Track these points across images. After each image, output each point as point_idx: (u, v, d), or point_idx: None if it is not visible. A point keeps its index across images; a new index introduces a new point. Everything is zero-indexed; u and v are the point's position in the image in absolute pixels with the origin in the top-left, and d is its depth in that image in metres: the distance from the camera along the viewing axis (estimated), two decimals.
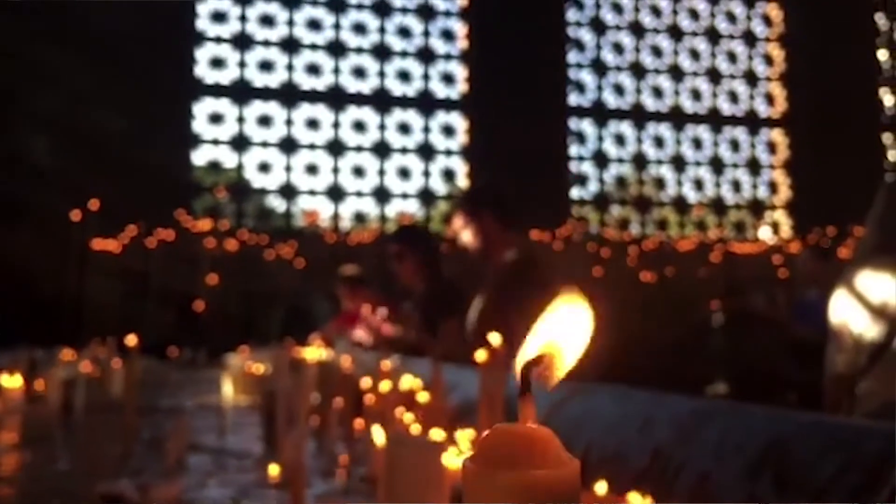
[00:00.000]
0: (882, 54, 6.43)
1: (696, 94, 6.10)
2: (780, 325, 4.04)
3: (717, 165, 6.08)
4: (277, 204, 5.45)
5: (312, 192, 5.37)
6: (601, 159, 5.87)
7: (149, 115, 4.81)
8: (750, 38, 6.25)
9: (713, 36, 6.19)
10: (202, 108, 5.18)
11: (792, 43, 6.23)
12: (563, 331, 0.28)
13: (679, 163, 6.02)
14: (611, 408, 1.01)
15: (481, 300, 2.43)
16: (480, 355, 0.92)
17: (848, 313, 1.43)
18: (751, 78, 6.22)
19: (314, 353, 1.85)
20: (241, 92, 5.29)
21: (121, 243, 4.67)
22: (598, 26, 5.95)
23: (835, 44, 6.03)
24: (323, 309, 4.38)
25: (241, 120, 5.27)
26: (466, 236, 2.53)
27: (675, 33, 6.12)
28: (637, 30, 6.03)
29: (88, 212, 4.33)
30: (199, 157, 5.20)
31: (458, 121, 5.67)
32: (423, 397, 1.11)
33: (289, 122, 5.35)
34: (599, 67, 5.93)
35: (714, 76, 6.15)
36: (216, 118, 5.21)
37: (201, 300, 4.63)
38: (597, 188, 5.88)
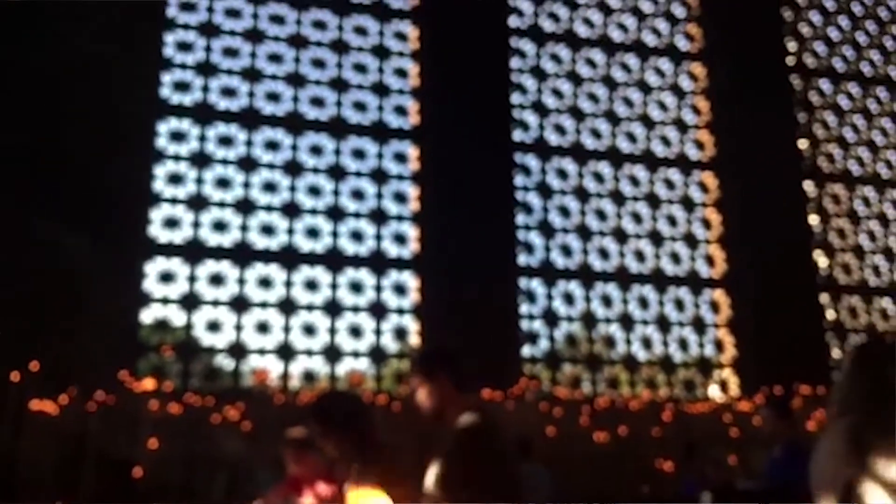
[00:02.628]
0: (813, 219, 6.79)
1: (640, 256, 6.31)
2: (728, 484, 4.02)
3: (663, 324, 6.20)
4: (226, 363, 5.36)
5: (262, 352, 5.31)
6: (551, 318, 5.95)
7: (99, 273, 4.77)
8: (688, 203, 6.56)
9: (653, 201, 6.48)
10: (154, 267, 5.19)
11: (727, 208, 6.55)
12: None
13: (627, 321, 6.13)
14: None
15: (438, 465, 2.37)
16: None
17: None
18: (691, 240, 6.48)
19: None
20: (194, 251, 5.32)
21: (59, 405, 4.50)
22: (545, 190, 6.20)
23: (768, 209, 6.37)
24: (267, 475, 4.21)
25: (192, 279, 5.26)
26: (421, 397, 2.51)
27: (618, 198, 6.40)
28: (582, 194, 6.30)
29: (28, 372, 4.20)
30: (148, 315, 5.15)
31: (410, 280, 5.74)
32: None
33: (241, 281, 5.36)
34: (547, 229, 6.13)
35: (656, 238, 6.39)
36: (167, 277, 5.20)
37: (140, 466, 4.42)
38: (548, 346, 5.93)
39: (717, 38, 6.91)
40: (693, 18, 7.04)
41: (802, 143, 6.95)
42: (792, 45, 7.23)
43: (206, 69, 5.69)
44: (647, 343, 6.14)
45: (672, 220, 6.49)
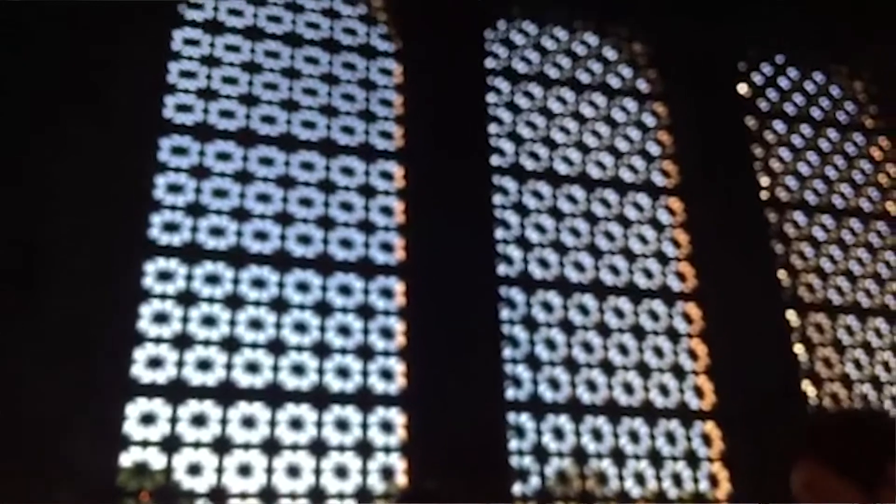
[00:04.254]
0: (798, 348, 6.82)
1: (628, 388, 6.26)
2: None
3: (655, 459, 6.08)
4: None
5: (244, 496, 5.13)
6: (541, 454, 5.83)
7: (75, 417, 4.68)
8: (673, 334, 6.58)
9: (639, 333, 6.50)
10: (134, 409, 5.08)
11: (712, 339, 6.57)
12: None
13: (619, 456, 6.01)
14: None
15: None
16: None
17: None
18: (678, 371, 6.46)
19: None
20: (177, 391, 5.23)
21: None
22: (531, 323, 6.22)
23: (753, 339, 6.41)
24: None
25: (173, 420, 5.15)
26: None
27: (604, 330, 6.41)
28: (567, 326, 6.32)
29: None
30: (126, 459, 4.99)
31: (397, 417, 5.64)
32: None
33: (223, 422, 5.24)
34: (534, 362, 6.10)
35: (643, 370, 6.36)
36: (148, 419, 5.09)
37: None
38: (538, 484, 5.77)
39: (691, 174, 7.16)
40: (668, 156, 7.31)
41: (782, 274, 7.07)
42: (765, 180, 7.49)
43: (196, 210, 5.79)
44: (640, 479, 5.99)
45: (658, 352, 6.49)
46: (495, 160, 6.72)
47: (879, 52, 8.12)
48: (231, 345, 5.48)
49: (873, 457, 1.42)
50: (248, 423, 5.30)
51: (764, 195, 7.39)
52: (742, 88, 7.81)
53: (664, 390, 6.35)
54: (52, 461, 4.53)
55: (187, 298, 5.51)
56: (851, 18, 7.84)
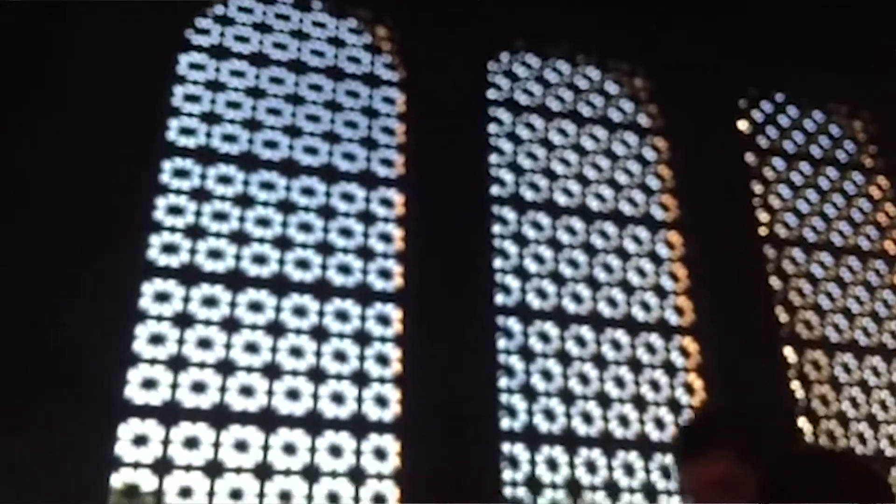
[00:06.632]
0: (795, 384, 6.79)
1: (624, 420, 6.23)
2: None
3: (650, 492, 6.03)
4: None
5: None
6: (535, 485, 5.78)
7: (66, 437, 4.66)
8: (670, 368, 6.56)
9: (635, 365, 6.48)
10: (126, 430, 5.05)
11: (708, 373, 6.55)
12: None
13: (613, 489, 5.96)
14: None
15: None
16: None
17: None
18: (674, 405, 6.43)
19: None
20: (170, 413, 5.21)
21: None
22: (527, 354, 6.21)
23: (749, 374, 6.38)
24: None
25: (166, 442, 5.12)
26: None
27: (600, 362, 6.40)
28: (564, 358, 6.30)
29: None
30: (117, 481, 4.96)
31: (391, 444, 5.61)
32: None
33: (216, 445, 5.21)
34: (529, 393, 6.08)
35: (639, 403, 6.33)
36: (140, 440, 5.06)
37: None
38: None
39: (691, 209, 7.19)
40: (667, 190, 7.34)
41: (779, 310, 7.07)
42: (764, 217, 7.51)
43: (196, 232, 5.81)
44: None
45: (655, 385, 6.46)
46: (495, 190, 6.75)
47: (879, 93, 8.19)
48: (226, 368, 5.47)
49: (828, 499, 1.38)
50: (241, 446, 5.27)
51: (763, 231, 7.41)
52: (742, 125, 7.87)
53: (660, 424, 6.32)
54: (45, 480, 4.50)
55: (184, 320, 5.51)
56: (851, 59, 7.92)
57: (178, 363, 5.37)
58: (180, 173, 5.97)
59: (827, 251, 7.62)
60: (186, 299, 5.58)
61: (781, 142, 8.02)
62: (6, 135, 5.37)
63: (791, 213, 7.70)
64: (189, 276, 5.66)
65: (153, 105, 6.01)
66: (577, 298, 6.59)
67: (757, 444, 1.80)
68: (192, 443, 5.17)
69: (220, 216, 5.94)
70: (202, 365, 5.43)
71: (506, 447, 5.82)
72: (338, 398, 5.64)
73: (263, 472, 5.24)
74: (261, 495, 5.17)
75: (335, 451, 5.46)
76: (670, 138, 7.50)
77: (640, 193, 7.26)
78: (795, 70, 7.99)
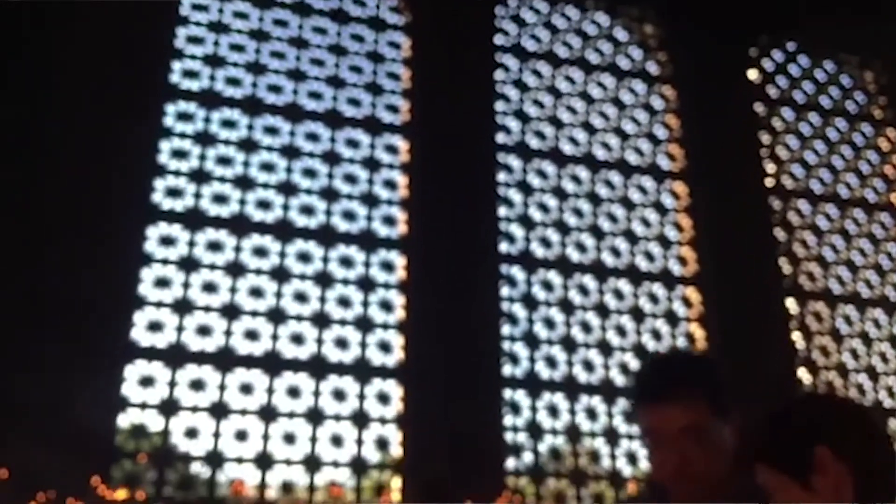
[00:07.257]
0: (796, 335, 6.83)
1: (625, 368, 6.29)
2: None
3: None
4: (202, 472, 5.21)
5: (240, 460, 5.18)
6: (535, 430, 5.87)
7: (74, 376, 4.72)
8: (672, 318, 6.60)
9: (638, 315, 6.52)
10: (133, 371, 5.12)
11: (710, 323, 6.59)
12: None
13: (612, 436, 6.04)
14: None
15: None
16: None
17: None
18: None
19: None
20: (176, 356, 5.26)
21: None
22: (530, 302, 6.24)
23: (751, 325, 6.41)
24: None
25: (172, 384, 5.18)
26: None
27: (603, 311, 6.43)
28: (567, 306, 6.33)
29: None
30: (124, 420, 5.04)
31: (394, 389, 5.68)
32: None
33: (222, 387, 5.28)
34: (531, 341, 6.12)
35: (640, 352, 6.38)
36: (147, 381, 5.13)
37: None
38: (532, 460, 5.82)
39: (697, 159, 7.14)
40: (674, 140, 7.29)
41: (783, 262, 7.07)
42: (770, 168, 7.46)
43: (200, 176, 5.79)
44: (632, 458, 6.03)
45: (656, 335, 6.51)
46: (501, 138, 6.70)
47: (892, 44, 8.06)
48: (231, 312, 5.51)
49: (795, 446, 1.38)
50: (246, 389, 5.34)
51: (769, 182, 7.37)
52: (752, 74, 7.76)
53: None
54: (52, 419, 4.57)
55: (189, 264, 5.53)
56: (865, 8, 7.76)
57: (183, 306, 5.41)
58: (184, 116, 5.94)
59: (832, 203, 7.59)
60: (191, 243, 5.59)
61: (791, 91, 7.92)
62: (7, 78, 5.32)
63: (798, 164, 7.65)
64: (194, 220, 5.66)
65: (157, 47, 5.94)
66: (580, 247, 6.60)
67: (725, 394, 1.73)
68: (197, 385, 5.24)
69: (225, 161, 5.92)
70: (207, 308, 5.47)
71: (507, 393, 5.89)
72: (342, 343, 5.69)
73: (268, 414, 5.32)
74: (265, 437, 5.26)
75: (339, 394, 5.53)
76: (678, 87, 7.42)
77: (647, 142, 7.21)
78: (808, 18, 7.85)
